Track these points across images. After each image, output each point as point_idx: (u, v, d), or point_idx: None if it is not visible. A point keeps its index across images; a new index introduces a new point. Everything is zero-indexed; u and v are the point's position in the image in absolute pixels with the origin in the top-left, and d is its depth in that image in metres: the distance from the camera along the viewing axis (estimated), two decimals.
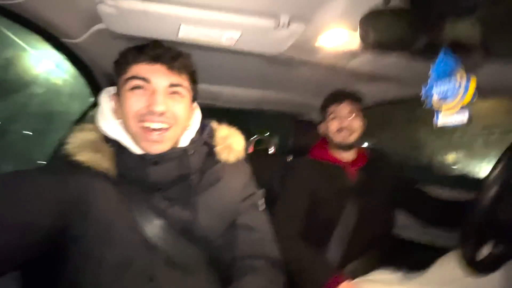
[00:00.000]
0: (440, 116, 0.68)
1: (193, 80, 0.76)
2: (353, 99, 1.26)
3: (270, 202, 1.39)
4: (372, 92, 1.46)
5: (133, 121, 0.66)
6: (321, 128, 1.35)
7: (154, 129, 0.65)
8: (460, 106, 0.63)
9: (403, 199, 1.28)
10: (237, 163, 0.83)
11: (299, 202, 1.17)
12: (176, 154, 0.70)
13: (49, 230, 0.61)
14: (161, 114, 0.65)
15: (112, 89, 0.75)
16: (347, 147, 1.25)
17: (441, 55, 0.66)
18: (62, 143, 0.69)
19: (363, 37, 0.67)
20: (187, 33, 0.82)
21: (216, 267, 0.73)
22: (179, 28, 0.79)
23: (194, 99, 0.78)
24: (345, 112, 1.23)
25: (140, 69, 0.67)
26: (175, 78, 0.69)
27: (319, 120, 1.39)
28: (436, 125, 0.69)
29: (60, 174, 0.65)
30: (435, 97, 0.68)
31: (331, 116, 1.26)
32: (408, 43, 0.65)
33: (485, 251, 0.73)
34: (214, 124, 0.84)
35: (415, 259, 1.22)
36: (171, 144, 0.70)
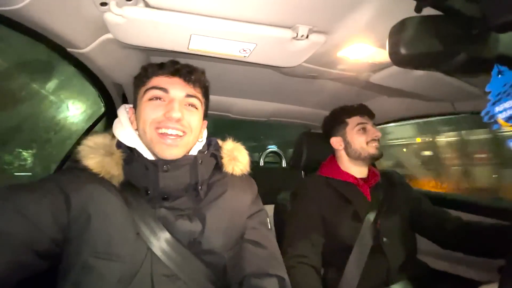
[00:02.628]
0: None
1: (206, 94, 0.80)
2: (371, 115, 1.24)
3: (281, 218, 1.33)
4: (393, 108, 1.38)
5: (150, 128, 0.69)
6: (337, 142, 1.26)
7: (170, 135, 0.68)
8: None
9: (421, 222, 1.19)
10: (244, 179, 0.84)
11: (311, 225, 1.09)
12: (186, 161, 0.72)
13: (48, 246, 0.58)
14: (178, 120, 0.68)
15: (128, 105, 0.80)
16: (376, 158, 1.21)
17: (494, 70, 0.58)
18: (73, 150, 0.69)
19: (392, 51, 0.59)
20: (198, 44, 0.77)
21: (220, 285, 0.70)
22: (190, 39, 0.75)
23: (205, 114, 0.80)
24: (371, 124, 1.22)
25: (160, 80, 0.72)
26: (191, 90, 0.73)
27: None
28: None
29: (61, 188, 0.62)
30: (501, 116, 0.59)
31: (359, 127, 1.20)
32: (446, 58, 0.57)
33: None
34: (219, 140, 0.85)
35: None
36: (184, 151, 0.71)
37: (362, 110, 1.23)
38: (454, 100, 1.16)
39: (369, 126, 1.20)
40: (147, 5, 0.64)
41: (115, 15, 0.65)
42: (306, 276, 1.00)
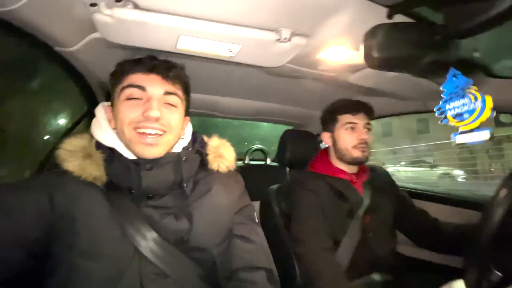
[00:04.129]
0: (459, 133, 0.65)
1: (187, 91, 0.78)
2: (368, 112, 1.19)
3: (267, 214, 1.37)
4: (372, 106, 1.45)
5: (128, 128, 0.66)
6: (327, 138, 1.24)
7: (149, 134, 0.66)
8: (479, 122, 0.61)
9: (401, 221, 1.23)
10: (230, 174, 0.83)
11: (317, 213, 1.10)
12: (169, 159, 0.71)
13: (33, 245, 0.59)
14: (156, 119, 0.66)
15: (106, 103, 0.77)
16: (360, 163, 1.18)
17: (450, 72, 0.65)
18: (53, 151, 0.68)
19: (367, 54, 0.65)
20: (186, 44, 0.79)
21: (210, 280, 0.71)
22: (177, 39, 0.77)
23: (187, 110, 0.79)
24: (363, 124, 1.15)
25: (136, 78, 0.69)
26: (170, 87, 0.71)
27: (317, 130, 1.34)
28: (455, 142, 0.65)
29: (44, 188, 0.63)
30: (450, 114, 0.66)
31: (347, 126, 1.16)
32: (414, 61, 0.63)
33: (494, 278, 0.70)
34: (205, 137, 0.84)
35: (420, 280, 1.18)
36: (165, 149, 0.70)
37: (357, 108, 1.16)
38: (425, 99, 1.23)
39: (358, 126, 1.15)
40: (136, 6, 0.66)
41: (104, 15, 0.66)
42: (328, 260, 1.01)
